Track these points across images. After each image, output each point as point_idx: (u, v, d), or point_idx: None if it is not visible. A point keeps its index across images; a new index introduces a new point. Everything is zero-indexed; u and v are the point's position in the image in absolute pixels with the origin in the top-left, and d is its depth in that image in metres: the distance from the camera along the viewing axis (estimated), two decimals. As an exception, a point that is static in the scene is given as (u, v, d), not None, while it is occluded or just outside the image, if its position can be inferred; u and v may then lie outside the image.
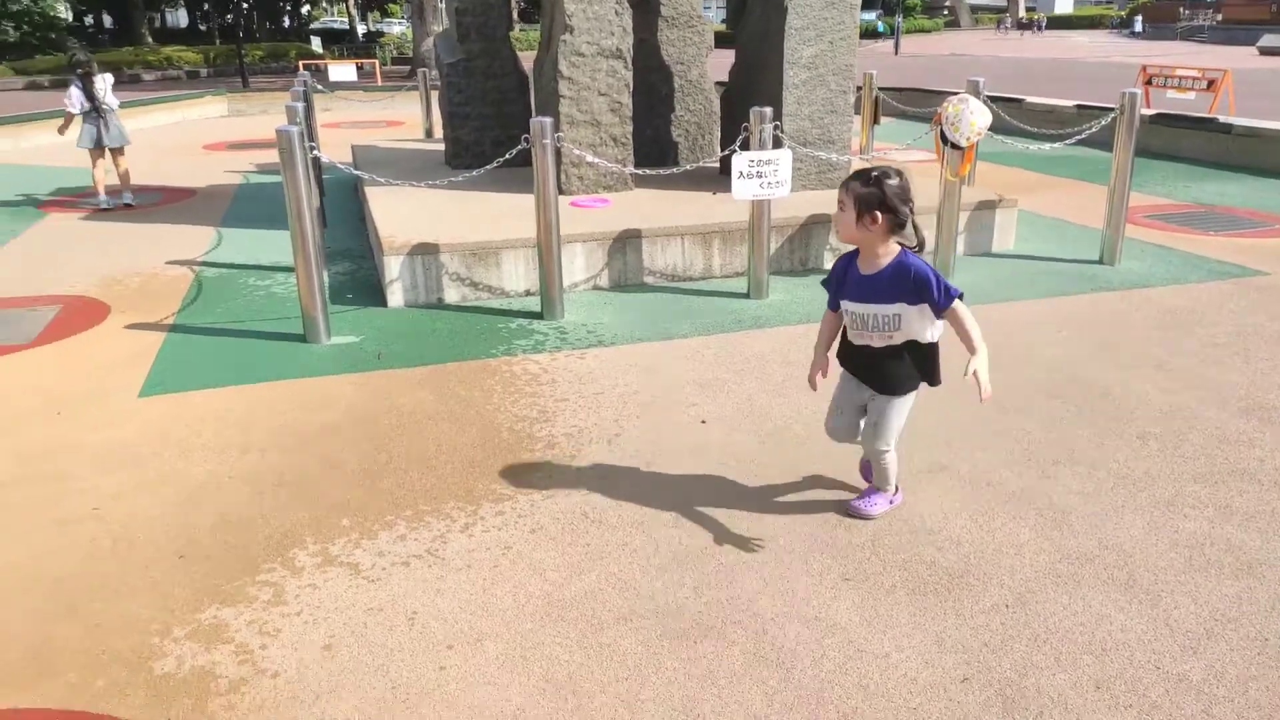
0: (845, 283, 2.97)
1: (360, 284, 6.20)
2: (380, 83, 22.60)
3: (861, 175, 2.84)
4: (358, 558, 2.99)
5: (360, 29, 47.11)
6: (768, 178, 5.32)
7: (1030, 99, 14.23)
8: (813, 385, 3.17)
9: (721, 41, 8.80)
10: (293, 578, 2.89)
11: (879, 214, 2.78)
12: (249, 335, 5.21)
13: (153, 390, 4.42)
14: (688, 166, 6.46)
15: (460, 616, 2.68)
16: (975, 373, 2.74)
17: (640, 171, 6.10)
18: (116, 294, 6.04)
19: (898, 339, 2.91)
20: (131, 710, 2.33)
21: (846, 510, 3.18)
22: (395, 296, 5.69)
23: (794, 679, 2.39)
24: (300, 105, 6.24)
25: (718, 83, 8.15)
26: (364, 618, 2.68)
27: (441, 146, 8.77)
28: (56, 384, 4.51)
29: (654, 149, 7.86)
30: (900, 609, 2.68)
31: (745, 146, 5.35)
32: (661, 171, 6.03)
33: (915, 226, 2.86)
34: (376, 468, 3.60)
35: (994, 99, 9.49)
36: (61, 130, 8.56)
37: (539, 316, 5.41)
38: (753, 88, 7.10)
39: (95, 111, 8.45)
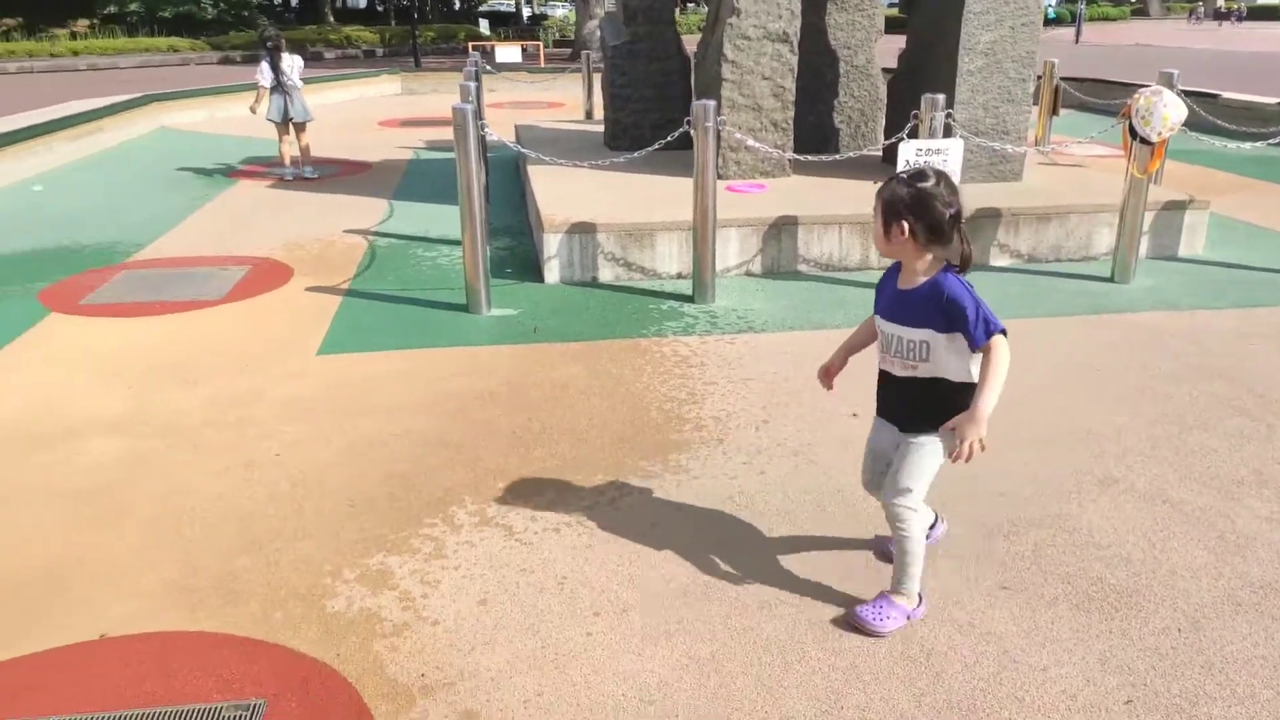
0: (882, 295, 2.55)
1: (519, 259, 6.40)
2: (543, 64, 23.14)
3: (894, 177, 2.43)
4: (511, 520, 3.11)
5: (525, 12, 48.41)
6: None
7: (1226, 94, 13.14)
8: (824, 383, 2.82)
9: (892, 26, 8.55)
10: (452, 534, 3.03)
11: (905, 222, 2.33)
12: (416, 303, 5.47)
13: (329, 349, 4.71)
14: (849, 154, 6.32)
15: (607, 586, 2.74)
16: (957, 428, 2.32)
17: (800, 157, 6.01)
18: (298, 258, 6.46)
19: (923, 371, 2.42)
20: (305, 643, 2.51)
21: (849, 619, 2.54)
22: (552, 273, 5.84)
23: (944, 683, 2.33)
24: (473, 85, 6.47)
25: (885, 69, 7.93)
26: (516, 578, 2.79)
27: (601, 128, 8.91)
28: (244, 338, 4.87)
29: (815, 135, 7.73)
30: (1062, 623, 2.56)
31: (914, 134, 5.19)
32: (822, 158, 5.93)
33: (962, 238, 2.36)
34: (530, 436, 3.72)
35: (1186, 93, 8.82)
36: (253, 108, 9.18)
37: (690, 299, 5.44)
38: (924, 74, 6.86)
39: (281, 86, 9.02)
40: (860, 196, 6.40)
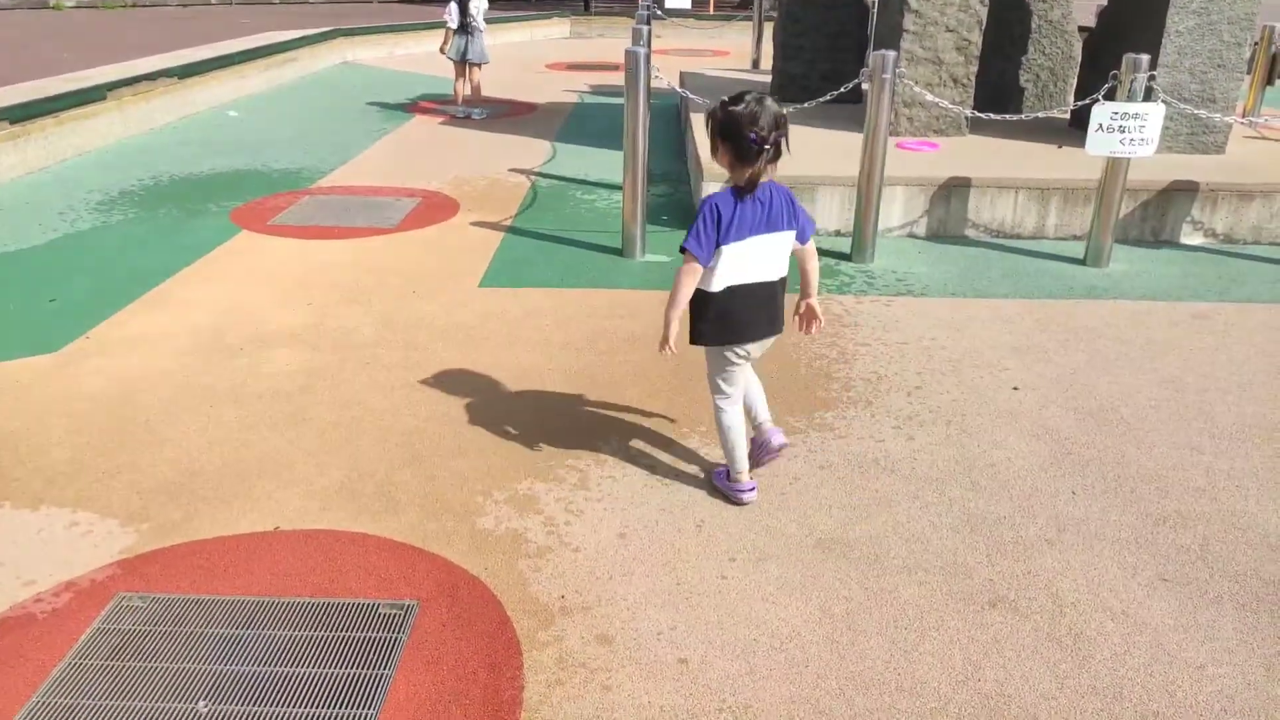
0: None
1: (675, 207, 6.40)
2: (712, 11, 22.81)
3: (722, 99, 2.64)
4: (653, 461, 3.17)
5: (697, -43, 47.84)
6: (1131, 134, 4.78)
7: None
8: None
9: (1091, -21, 7.93)
10: (596, 467, 3.12)
11: (717, 142, 2.62)
12: (573, 244, 5.58)
13: (490, 282, 4.88)
14: (1034, 114, 5.95)
15: (744, 534, 2.76)
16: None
17: (980, 115, 5.71)
18: (465, 193, 6.69)
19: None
20: (455, 554, 2.65)
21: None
22: (708, 222, 5.81)
23: (1090, 668, 2.24)
24: (645, 28, 6.46)
25: (1081, 27, 7.39)
26: (656, 516, 2.85)
27: (768, 78, 8.73)
28: (413, 266, 5.11)
29: (995, 93, 7.32)
30: (1225, 621, 2.40)
31: (1110, 97, 4.83)
32: (1006, 117, 5.61)
33: (762, 167, 2.58)
34: (678, 383, 3.76)
35: None
36: (443, 48, 9.50)
37: (847, 258, 5.31)
38: (1125, 33, 6.36)
39: (464, 28, 9.28)
40: (1041, 160, 6.05)
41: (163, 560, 2.60)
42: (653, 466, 3.13)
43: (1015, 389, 3.73)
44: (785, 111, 2.61)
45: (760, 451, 3.01)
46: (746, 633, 2.35)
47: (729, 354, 2.85)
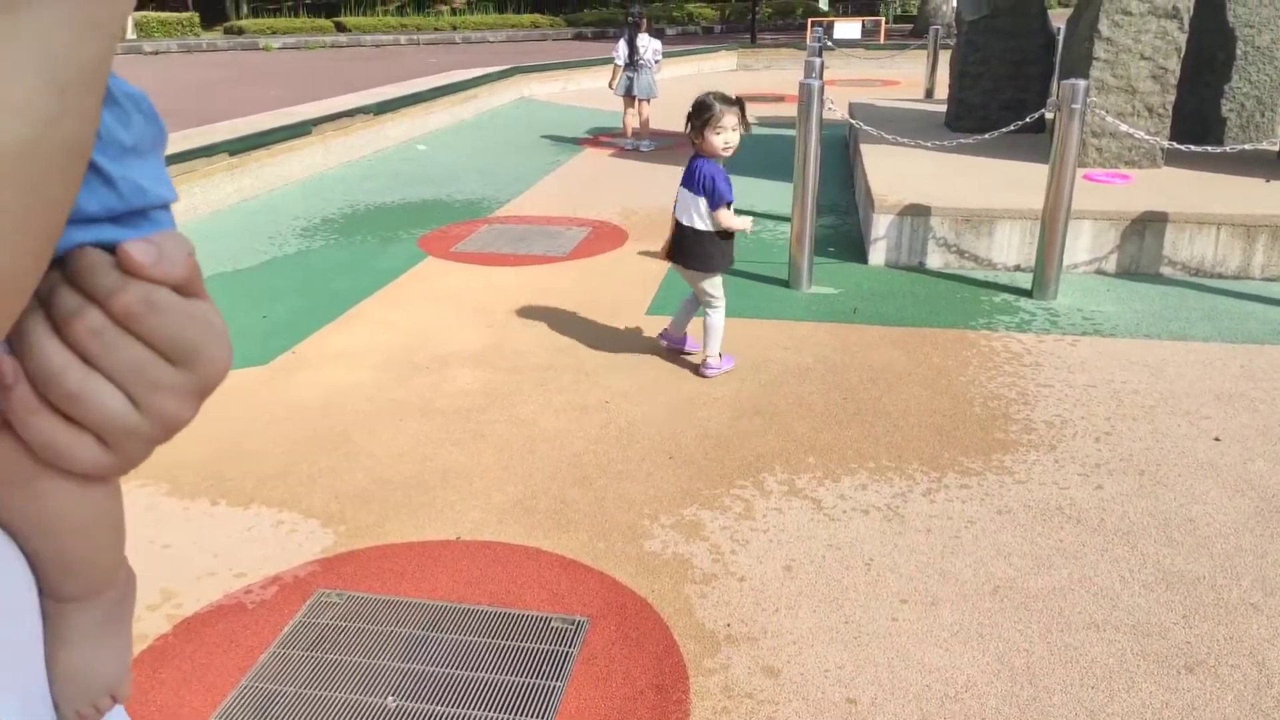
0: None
1: (842, 239, 6.33)
2: (883, 41, 22.49)
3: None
4: (820, 495, 3.14)
5: (866, -13, 47.16)
6: (1355, 166, 4.37)
7: None
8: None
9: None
10: (761, 498, 3.12)
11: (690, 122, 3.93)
12: (737, 274, 5.60)
13: (656, 310, 4.98)
14: (1237, 146, 5.54)
15: (916, 576, 2.69)
16: None
17: (1177, 146, 5.37)
18: (633, 223, 6.87)
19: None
20: (623, 575, 2.71)
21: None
22: (876, 255, 5.73)
23: (1307, 750, 2.05)
24: (818, 60, 6.46)
25: (1295, 50, 6.82)
26: (823, 551, 2.82)
27: (942, 108, 8.53)
28: (584, 292, 5.29)
29: (1193, 123, 6.85)
30: None
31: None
32: (1206, 149, 5.25)
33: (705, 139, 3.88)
34: (845, 416, 3.71)
35: None
36: (611, 84, 9.83)
37: (1027, 294, 5.10)
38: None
39: (632, 64, 9.56)
40: (1245, 195, 5.62)
41: (357, 561, 2.79)
42: (819, 501, 3.10)
43: (1217, 439, 3.46)
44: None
45: (682, 342, 4.31)
46: (919, 678, 2.28)
47: (721, 275, 4.10)
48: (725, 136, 3.83)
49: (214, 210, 7.22)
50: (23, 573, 0.51)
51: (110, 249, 0.44)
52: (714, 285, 4.07)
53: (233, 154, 7.63)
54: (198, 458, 3.37)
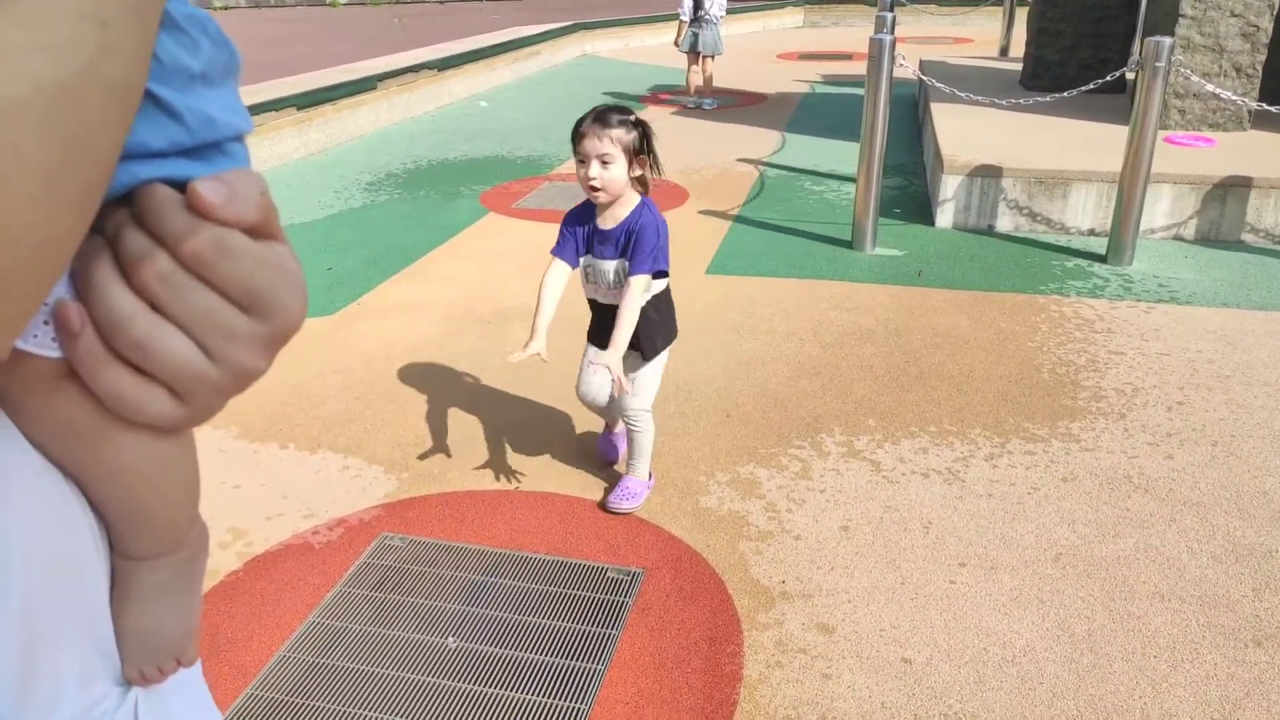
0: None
1: (909, 200, 6.20)
2: (954, -2, 21.75)
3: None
4: (879, 457, 3.11)
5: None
6: None
7: None
8: None
9: None
10: (819, 459, 3.10)
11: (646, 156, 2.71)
12: (800, 234, 5.54)
13: (716, 270, 4.95)
14: (1334, 108, 5.27)
15: (976, 540, 2.66)
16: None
17: (1271, 108, 5.12)
18: (694, 182, 6.80)
19: None
20: (679, 529, 2.73)
21: (605, 507, 2.82)
22: (944, 216, 5.60)
23: (1381, 730, 1.99)
24: (889, 15, 6.29)
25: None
26: (880, 513, 2.80)
27: (1018, 66, 8.25)
28: (644, 250, 5.26)
29: (1286, 84, 6.53)
30: None
31: None
32: (1297, 111, 5.01)
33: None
34: (906, 379, 3.66)
35: None
36: (676, 41, 9.70)
37: (1101, 259, 4.94)
38: None
39: (697, 20, 9.41)
40: (1340, 159, 5.35)
41: (419, 507, 2.85)
42: (877, 463, 3.07)
43: (1297, 412, 3.34)
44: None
45: (615, 451, 3.09)
46: (976, 640, 2.27)
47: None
48: (587, 170, 2.66)
49: (281, 163, 7.34)
50: (88, 527, 0.49)
51: (180, 186, 0.41)
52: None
53: (300, 109, 7.74)
54: (267, 403, 3.47)
